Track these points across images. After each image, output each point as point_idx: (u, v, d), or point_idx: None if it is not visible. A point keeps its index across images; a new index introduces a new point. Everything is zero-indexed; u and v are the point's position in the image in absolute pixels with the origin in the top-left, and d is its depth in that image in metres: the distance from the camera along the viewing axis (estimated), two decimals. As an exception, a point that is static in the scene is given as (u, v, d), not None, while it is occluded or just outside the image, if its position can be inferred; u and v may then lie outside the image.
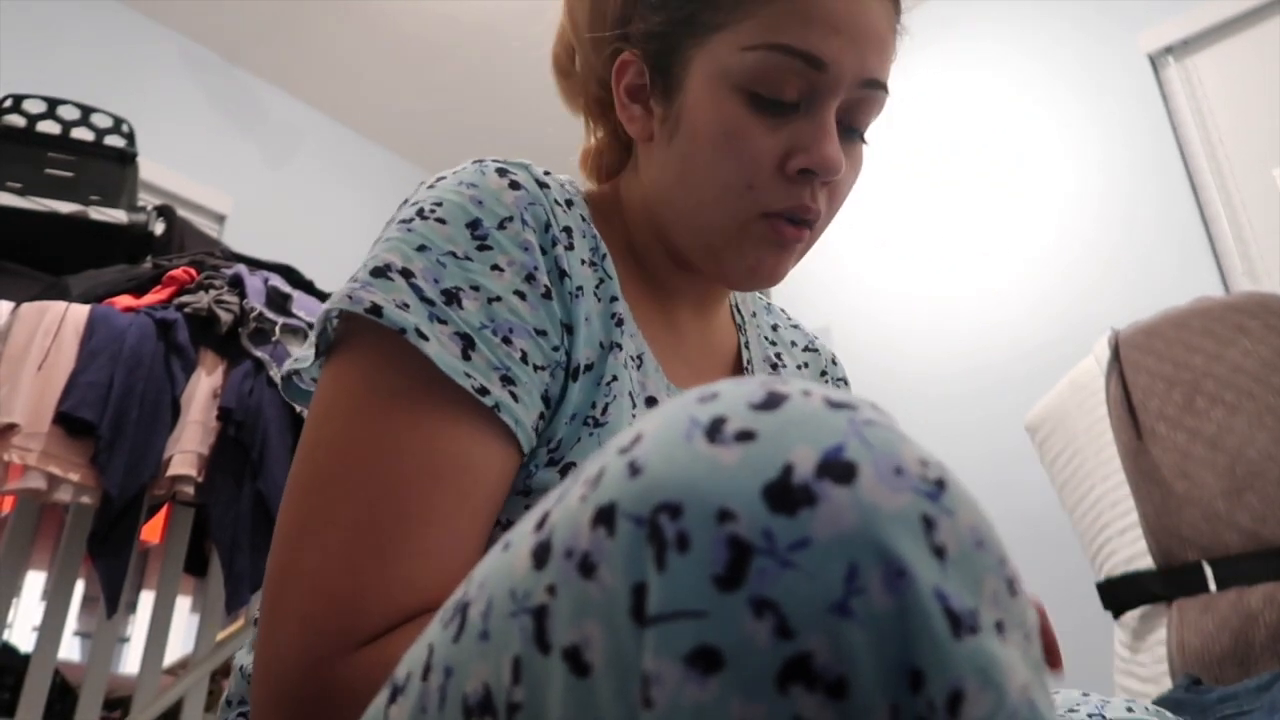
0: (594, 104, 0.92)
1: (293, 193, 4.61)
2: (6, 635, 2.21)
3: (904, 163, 3.95)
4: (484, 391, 0.64)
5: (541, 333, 0.70)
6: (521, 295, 0.69)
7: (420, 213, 0.71)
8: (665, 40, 0.80)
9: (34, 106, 2.49)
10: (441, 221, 0.70)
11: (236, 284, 2.12)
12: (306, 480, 0.63)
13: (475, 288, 0.67)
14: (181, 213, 2.70)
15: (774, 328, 1.05)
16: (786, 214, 0.77)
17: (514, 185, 0.74)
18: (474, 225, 0.70)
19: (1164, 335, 1.94)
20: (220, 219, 4.23)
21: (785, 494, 0.31)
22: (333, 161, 4.89)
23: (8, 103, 2.48)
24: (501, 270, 0.69)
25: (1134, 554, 1.86)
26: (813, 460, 0.32)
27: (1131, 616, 1.89)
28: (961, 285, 3.62)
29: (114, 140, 2.55)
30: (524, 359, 0.68)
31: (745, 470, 0.32)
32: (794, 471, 0.32)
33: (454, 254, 0.68)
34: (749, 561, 0.30)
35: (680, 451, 0.34)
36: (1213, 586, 1.74)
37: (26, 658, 1.96)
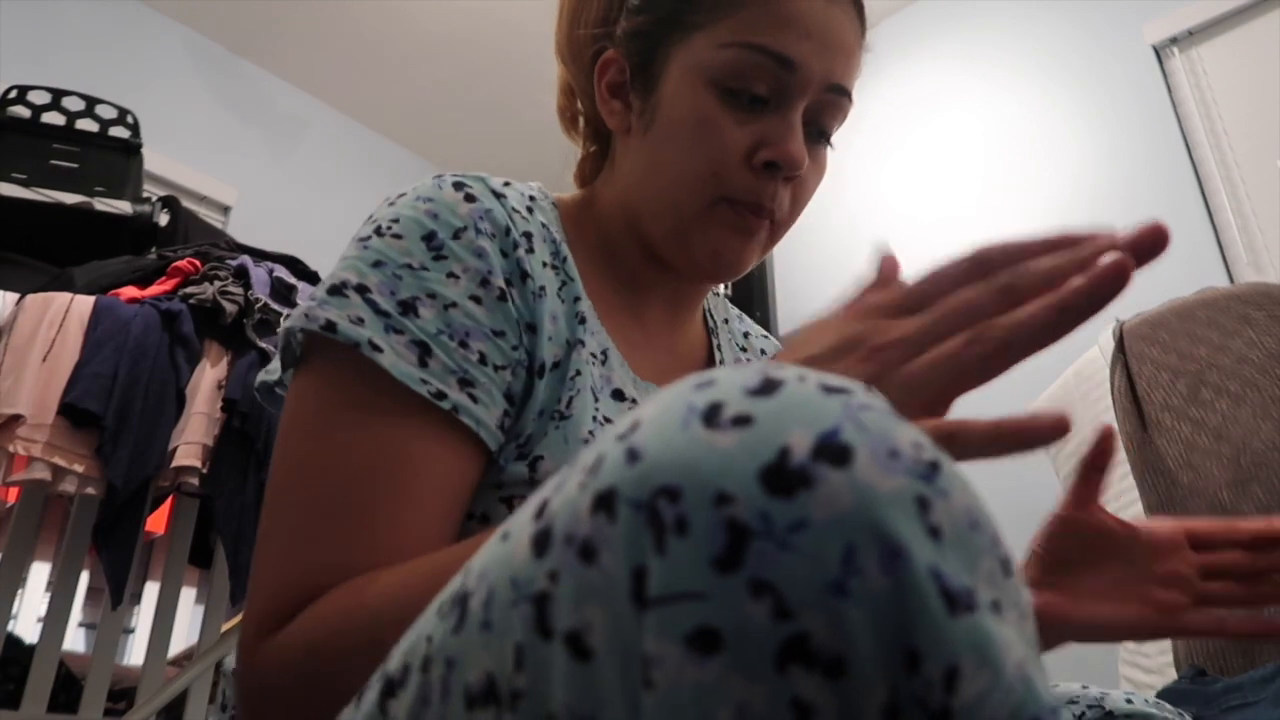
0: (579, 114, 0.96)
1: (298, 184, 4.61)
2: (11, 626, 2.22)
3: (907, 157, 3.94)
4: (441, 396, 0.66)
5: (499, 334, 0.72)
6: (477, 300, 0.71)
7: (378, 230, 0.73)
8: (648, 39, 0.84)
9: (39, 98, 2.49)
10: (398, 237, 0.72)
11: (241, 275, 2.13)
12: (273, 493, 0.66)
13: (432, 295, 0.69)
14: (186, 204, 2.70)
15: (745, 335, 1.07)
16: (746, 204, 0.80)
17: (469, 198, 0.76)
18: (429, 238, 0.72)
19: (1169, 326, 1.93)
20: (225, 210, 4.23)
21: (782, 477, 0.32)
22: (338, 153, 4.89)
23: (12, 94, 2.48)
24: (457, 277, 0.71)
25: (1138, 545, 1.86)
26: (808, 443, 0.32)
27: (1136, 607, 1.89)
28: (966, 277, 3.61)
29: (118, 131, 2.55)
30: (482, 360, 0.70)
31: (742, 454, 0.32)
32: (790, 455, 0.32)
33: (410, 266, 0.70)
34: (747, 543, 0.31)
35: (678, 437, 0.34)
36: (1217, 578, 1.74)
37: (31, 649, 1.97)
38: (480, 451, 0.69)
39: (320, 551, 0.61)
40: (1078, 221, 3.35)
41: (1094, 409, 2.03)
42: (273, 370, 0.79)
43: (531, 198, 0.84)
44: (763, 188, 0.80)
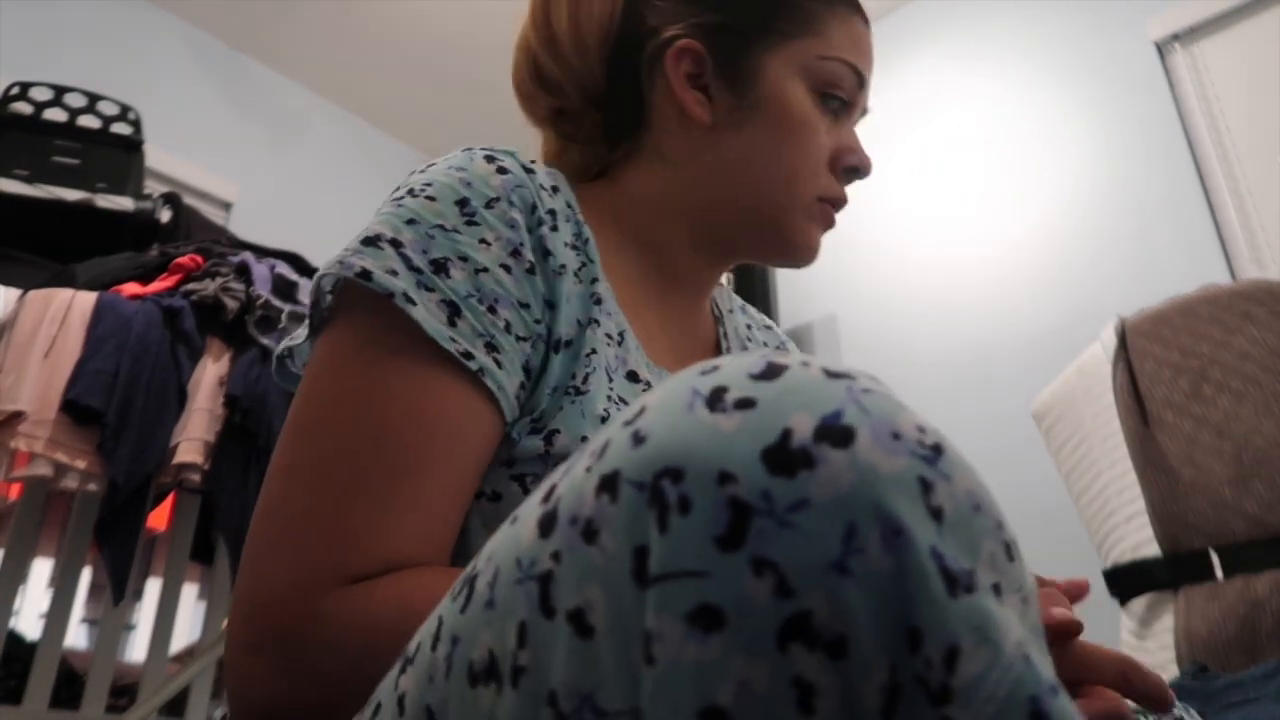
0: (575, 108, 0.94)
1: (299, 180, 4.61)
2: (13, 623, 2.21)
3: (910, 153, 3.94)
4: (469, 356, 0.67)
5: (525, 305, 0.73)
6: (507, 269, 0.72)
7: (411, 192, 0.74)
8: (737, 37, 0.88)
9: (40, 94, 2.50)
10: (431, 199, 0.73)
11: (243, 271, 2.13)
12: (299, 427, 0.67)
13: (463, 258, 0.70)
14: (188, 200, 2.70)
15: (748, 326, 1.09)
16: (834, 201, 0.90)
17: (501, 170, 0.77)
18: (463, 203, 0.73)
19: (1171, 323, 1.93)
20: (227, 206, 4.23)
21: (784, 457, 0.32)
22: (340, 149, 4.89)
23: (14, 90, 2.48)
24: (488, 244, 0.72)
25: (1140, 541, 1.86)
26: (811, 425, 0.32)
27: (1138, 604, 1.89)
28: (968, 274, 3.61)
29: (120, 128, 2.55)
30: (507, 329, 0.70)
31: (745, 435, 0.33)
32: (793, 436, 0.32)
33: (442, 227, 0.71)
34: (749, 522, 0.31)
35: (682, 420, 0.34)
36: (1219, 574, 1.74)
37: (33, 645, 1.97)
38: (498, 420, 0.69)
39: (386, 511, 0.62)
40: (1080, 218, 3.35)
41: (1096, 405, 2.03)
42: (298, 335, 0.80)
43: (554, 179, 0.84)
44: (841, 189, 0.90)
